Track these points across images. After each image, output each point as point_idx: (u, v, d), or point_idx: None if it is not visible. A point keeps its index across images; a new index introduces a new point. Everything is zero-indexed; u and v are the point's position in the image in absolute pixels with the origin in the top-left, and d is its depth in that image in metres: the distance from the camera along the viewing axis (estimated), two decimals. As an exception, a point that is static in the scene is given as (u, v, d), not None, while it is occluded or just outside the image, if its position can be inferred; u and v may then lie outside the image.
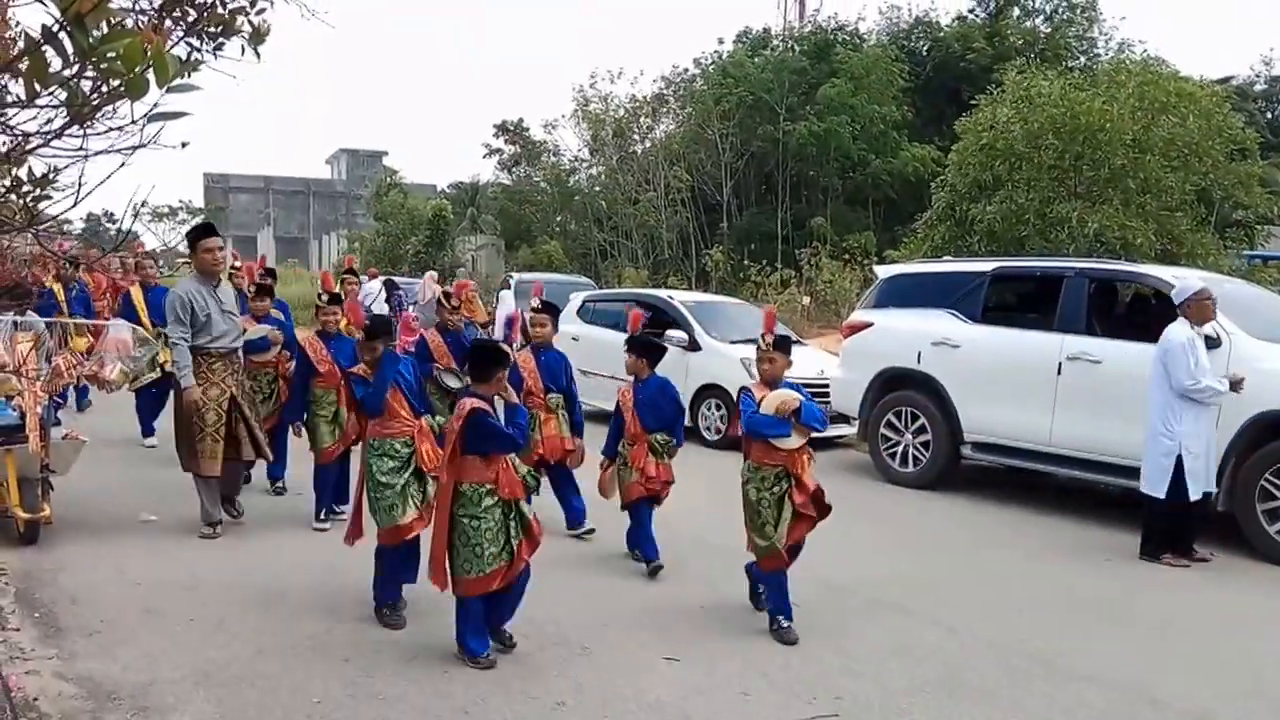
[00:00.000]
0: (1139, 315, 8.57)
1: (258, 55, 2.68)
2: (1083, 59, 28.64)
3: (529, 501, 4.78)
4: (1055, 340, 8.05)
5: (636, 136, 32.18)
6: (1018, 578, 6.38)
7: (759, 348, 5.26)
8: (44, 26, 1.81)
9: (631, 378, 6.55)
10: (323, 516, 7.02)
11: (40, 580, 5.68)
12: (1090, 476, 7.99)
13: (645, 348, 6.51)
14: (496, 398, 4.84)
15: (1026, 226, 17.28)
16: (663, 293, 13.39)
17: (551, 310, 7.23)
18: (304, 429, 7.07)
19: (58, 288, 10.62)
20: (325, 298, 7.30)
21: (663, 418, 6.35)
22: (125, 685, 4.29)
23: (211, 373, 6.47)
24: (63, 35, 1.81)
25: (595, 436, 6.91)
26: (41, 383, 6.20)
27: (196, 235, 6.66)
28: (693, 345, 11.26)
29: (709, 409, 11.05)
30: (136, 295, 9.83)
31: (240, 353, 6.78)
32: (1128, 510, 7.60)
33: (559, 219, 34.80)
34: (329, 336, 7.15)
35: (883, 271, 10.48)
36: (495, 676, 4.50)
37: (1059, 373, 7.94)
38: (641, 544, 6.24)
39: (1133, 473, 7.14)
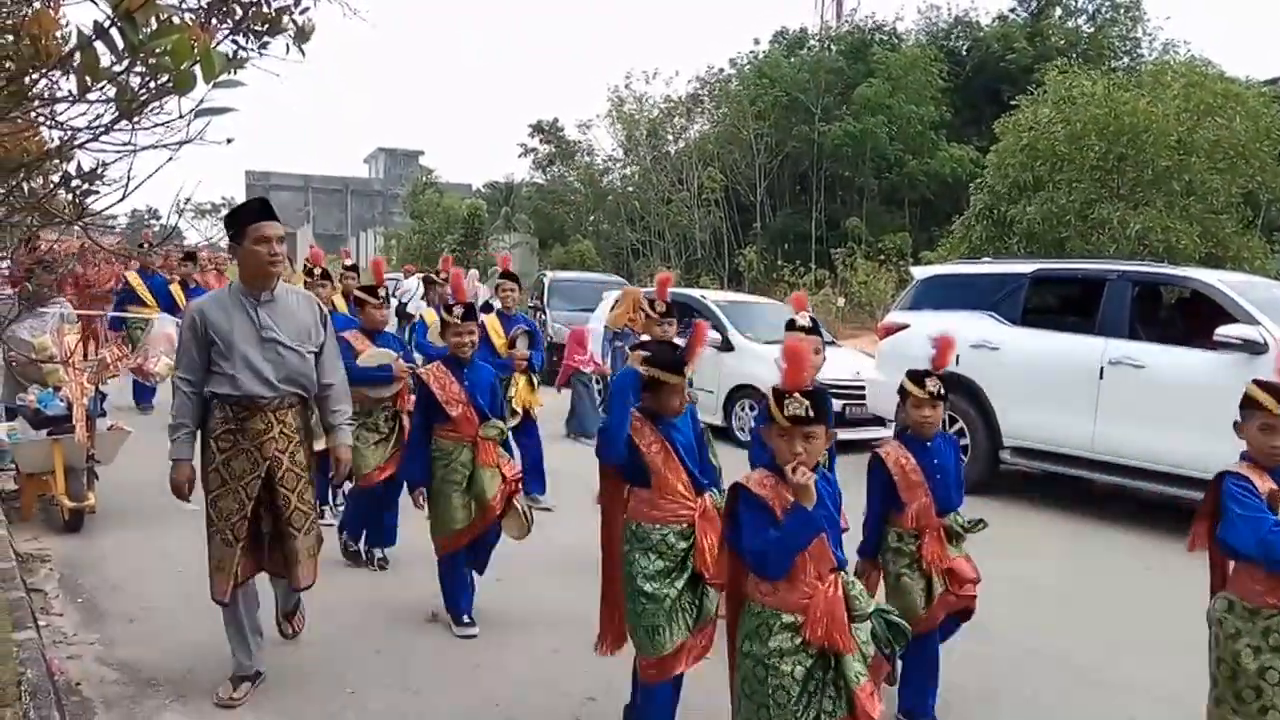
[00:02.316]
0: (1183, 319, 8.44)
1: (302, 54, 2.70)
2: (1126, 59, 28.25)
3: None
4: (1097, 344, 7.94)
5: (670, 137, 32.17)
6: (1056, 584, 6.31)
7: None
8: (95, 22, 1.83)
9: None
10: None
11: (83, 567, 5.79)
12: (1132, 483, 7.87)
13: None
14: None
15: (1067, 228, 17.09)
16: (695, 292, 13.37)
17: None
18: (426, 498, 4.99)
19: (136, 280, 10.82)
20: (459, 310, 5.08)
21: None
22: (164, 672, 4.37)
23: (242, 434, 3.97)
24: (113, 31, 1.82)
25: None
26: (88, 374, 6.30)
27: (245, 218, 3.98)
28: (726, 345, 11.23)
29: (742, 409, 11.02)
30: (136, 280, 10.59)
31: (298, 402, 4.18)
32: (1170, 517, 7.49)
33: (592, 218, 34.87)
34: (461, 364, 5.08)
35: (919, 272, 10.39)
36: (525, 671, 4.53)
37: (1101, 377, 7.83)
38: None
39: (1175, 479, 7.02)
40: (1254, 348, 6.86)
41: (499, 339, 7.58)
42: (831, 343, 12.53)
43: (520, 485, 5.17)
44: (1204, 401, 6.81)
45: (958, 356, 8.91)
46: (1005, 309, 8.78)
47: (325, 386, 4.24)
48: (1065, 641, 5.16)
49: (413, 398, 5.72)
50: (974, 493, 8.71)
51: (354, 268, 10.22)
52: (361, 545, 6.15)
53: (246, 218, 3.95)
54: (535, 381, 7.80)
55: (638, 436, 3.58)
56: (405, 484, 5.27)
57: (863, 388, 9.94)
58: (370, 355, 5.80)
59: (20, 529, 6.45)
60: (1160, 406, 7.38)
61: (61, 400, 6.55)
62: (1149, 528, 7.66)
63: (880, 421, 10.06)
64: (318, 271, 7.47)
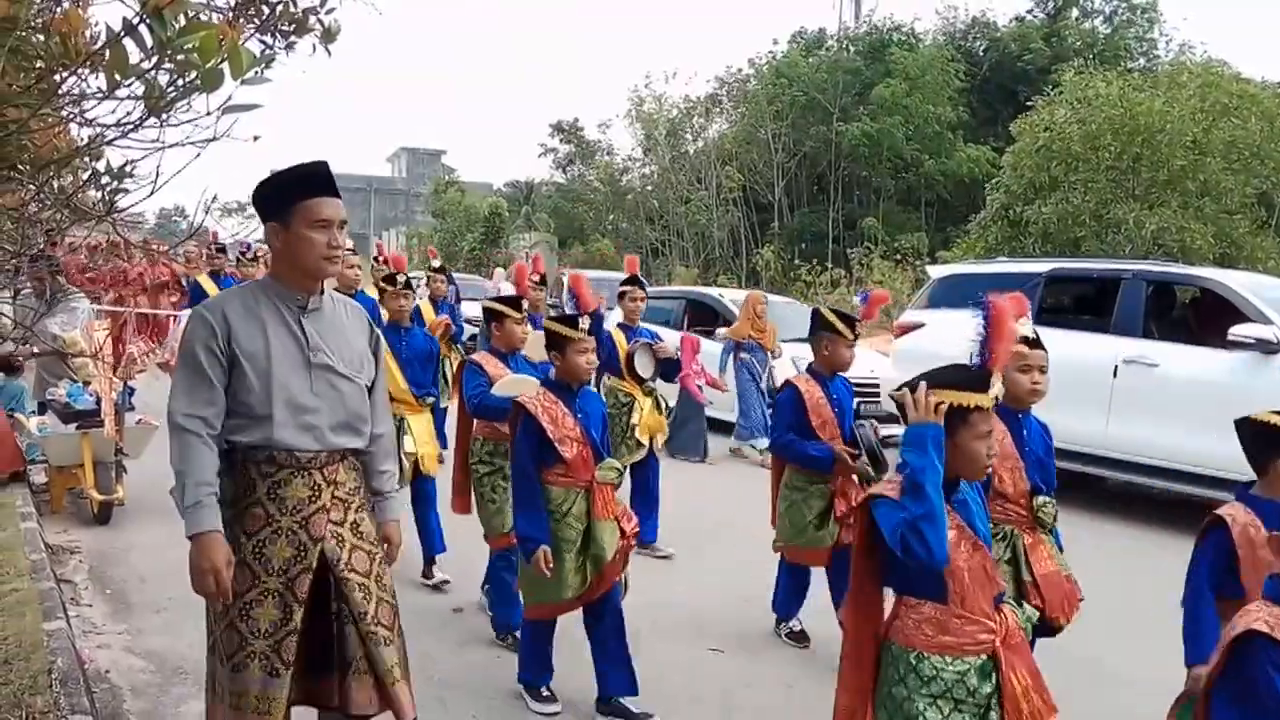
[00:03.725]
0: (1197, 319, 8.43)
1: (329, 53, 2.76)
2: (1142, 60, 28.10)
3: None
4: (1112, 343, 7.94)
5: (689, 136, 32.20)
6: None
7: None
8: (124, 19, 1.84)
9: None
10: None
11: (112, 559, 5.88)
12: (1146, 481, 7.87)
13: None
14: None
15: (1082, 228, 17.04)
16: (713, 291, 13.41)
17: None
18: (544, 558, 3.80)
19: (206, 281, 10.42)
20: (584, 322, 4.00)
21: None
22: (191, 661, 4.43)
23: (278, 506, 2.74)
24: (142, 28, 1.84)
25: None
26: (117, 370, 6.39)
27: (296, 189, 2.75)
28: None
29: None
30: (206, 282, 9.97)
31: (352, 455, 2.94)
32: (1183, 515, 7.49)
33: (611, 217, 34.93)
34: (570, 390, 3.99)
35: (936, 272, 10.41)
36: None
37: (1115, 375, 7.84)
38: None
39: (1189, 478, 7.03)
40: (1267, 347, 6.86)
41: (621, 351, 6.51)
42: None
43: (635, 541, 4.13)
44: (1217, 400, 6.82)
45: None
46: (1020, 308, 8.79)
47: (373, 439, 2.96)
48: (1073, 637, 5.17)
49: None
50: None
51: (442, 269, 9.42)
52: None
53: (298, 189, 2.70)
54: (665, 405, 6.66)
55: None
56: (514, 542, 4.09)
57: (877, 386, 9.98)
58: (508, 382, 4.62)
59: (51, 521, 6.56)
60: (1174, 405, 7.38)
61: (90, 395, 6.67)
62: (1163, 525, 7.66)
63: (895, 419, 10.08)
64: (401, 279, 5.83)
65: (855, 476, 4.52)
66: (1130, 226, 16.23)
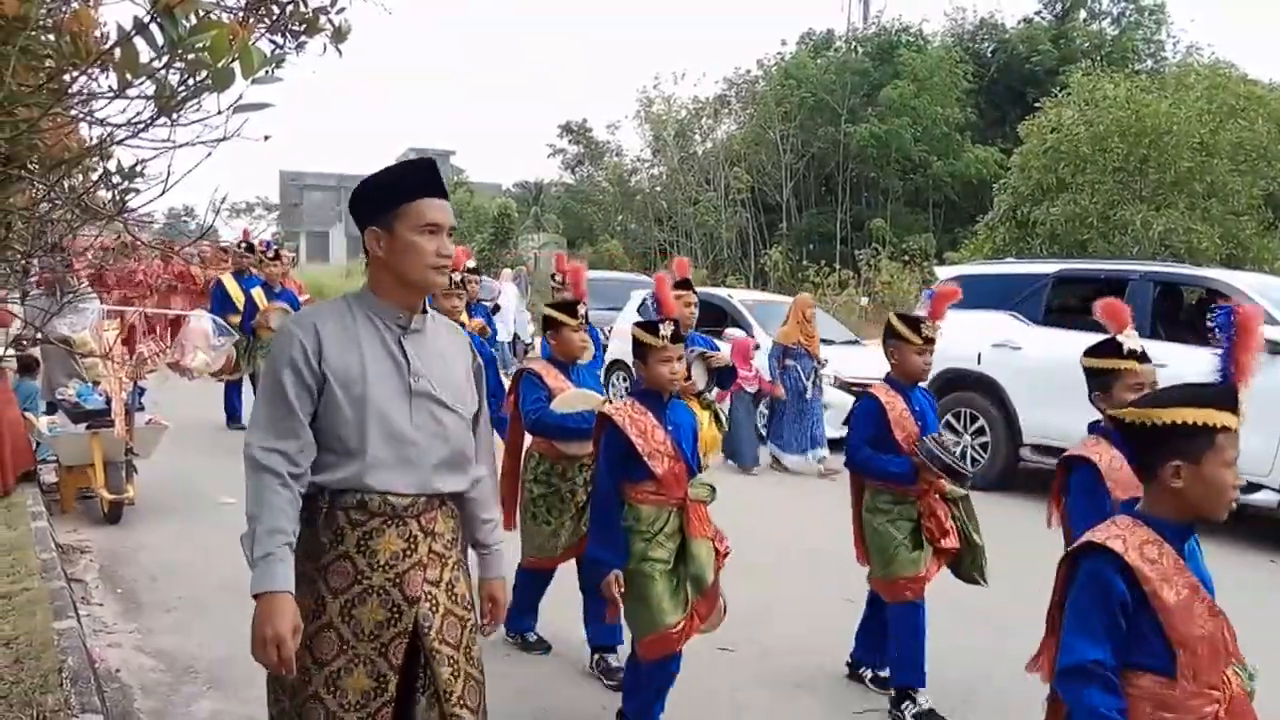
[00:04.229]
0: (1204, 320, 8.40)
1: (340, 53, 2.76)
2: (1150, 62, 28.02)
3: None
4: (1119, 343, 7.93)
5: (698, 137, 32.18)
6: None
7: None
8: (135, 18, 1.84)
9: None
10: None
11: (123, 558, 5.91)
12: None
13: None
14: None
15: (1089, 229, 17.03)
16: (722, 291, 13.43)
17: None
18: (622, 592, 3.51)
19: (230, 282, 10.04)
20: (667, 329, 3.64)
21: None
22: (201, 660, 4.46)
23: (369, 561, 2.36)
24: (153, 27, 1.83)
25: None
26: (127, 369, 6.42)
27: (403, 188, 2.40)
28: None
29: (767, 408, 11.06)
30: (230, 283, 9.77)
31: (450, 500, 2.56)
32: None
33: (620, 218, 34.91)
34: (660, 401, 3.67)
35: (943, 273, 10.41)
36: (554, 662, 4.60)
37: (1122, 375, 7.82)
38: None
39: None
40: (1275, 347, 6.84)
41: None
42: (855, 341, 12.57)
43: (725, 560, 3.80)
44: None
45: (980, 355, 8.95)
46: (1027, 309, 8.80)
47: (475, 481, 2.59)
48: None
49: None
50: (993, 490, 8.74)
51: (476, 270, 8.41)
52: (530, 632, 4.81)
53: (402, 189, 2.37)
54: (723, 418, 6.15)
55: None
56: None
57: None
58: (571, 396, 4.34)
59: (61, 521, 6.60)
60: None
61: (100, 395, 6.70)
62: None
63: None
64: (456, 278, 5.22)
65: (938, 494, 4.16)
66: (1137, 228, 16.21)
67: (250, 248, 10.48)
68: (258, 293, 9.06)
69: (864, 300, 22.36)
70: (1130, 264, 9.66)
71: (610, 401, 4.15)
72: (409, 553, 2.37)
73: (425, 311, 2.47)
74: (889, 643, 4.25)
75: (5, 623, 4.47)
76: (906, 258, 23.31)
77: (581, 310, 4.55)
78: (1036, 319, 8.71)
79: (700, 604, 3.57)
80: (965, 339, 9.06)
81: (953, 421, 9.17)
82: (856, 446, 4.24)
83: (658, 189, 33.58)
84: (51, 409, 7.25)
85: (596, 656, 4.48)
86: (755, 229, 30.02)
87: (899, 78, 27.43)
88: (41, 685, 3.84)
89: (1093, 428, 3.30)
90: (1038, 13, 31.13)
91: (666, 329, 3.59)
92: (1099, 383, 3.36)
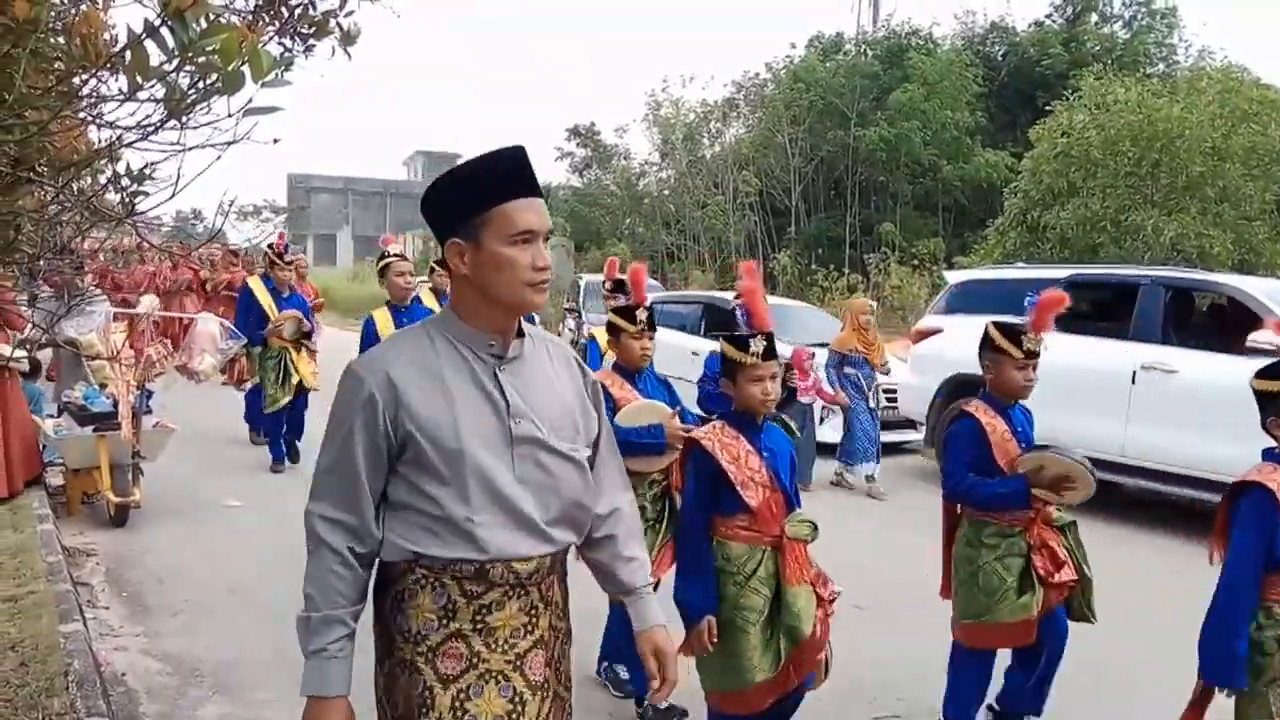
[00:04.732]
0: (1216, 325, 8.37)
1: (349, 56, 2.76)
2: (1161, 66, 27.93)
3: None
4: (1130, 349, 7.90)
5: (706, 141, 32.18)
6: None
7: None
8: (146, 21, 1.85)
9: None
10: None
11: (129, 561, 5.91)
12: (1163, 488, 7.83)
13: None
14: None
15: (1101, 234, 16.96)
16: (730, 295, 13.40)
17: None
18: (709, 630, 3.12)
19: (258, 286, 9.35)
20: (759, 343, 3.22)
21: None
22: (208, 663, 4.46)
23: (486, 639, 1.96)
24: (163, 30, 1.84)
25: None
26: (135, 372, 6.43)
27: (492, 188, 1.96)
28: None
29: (776, 413, 11.06)
30: (258, 286, 9.08)
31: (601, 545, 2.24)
32: (1201, 522, 7.42)
33: (628, 222, 34.92)
34: (754, 424, 3.26)
35: (953, 277, 10.39)
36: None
37: (1133, 382, 7.79)
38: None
39: (1206, 484, 6.97)
40: (1295, 352, 6.79)
41: None
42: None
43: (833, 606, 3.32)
44: (1236, 407, 6.69)
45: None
46: (1038, 314, 8.75)
47: (608, 516, 2.22)
48: (1090, 643, 5.14)
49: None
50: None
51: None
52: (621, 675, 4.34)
53: (491, 189, 1.95)
54: (794, 428, 6.04)
55: None
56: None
57: (895, 391, 9.96)
58: (636, 409, 4.02)
59: (68, 524, 6.60)
60: (1192, 412, 7.33)
61: (107, 397, 6.70)
62: (1178, 532, 7.61)
63: (912, 424, 10.08)
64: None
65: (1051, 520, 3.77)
66: (1149, 232, 16.14)
67: (271, 247, 9.93)
68: (265, 298, 8.69)
69: (873, 305, 22.34)
70: (1142, 269, 9.61)
71: (678, 413, 4.00)
72: (530, 628, 2.00)
73: (523, 334, 2.06)
74: (956, 689, 3.91)
75: (11, 625, 4.48)
76: (916, 262, 23.26)
77: (642, 315, 4.21)
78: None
79: (796, 659, 3.13)
80: (975, 344, 9.00)
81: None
82: (956, 472, 3.77)
83: (666, 192, 33.61)
84: (61, 411, 7.26)
85: (605, 664, 4.36)
86: (764, 233, 30.00)
87: (909, 81, 27.39)
88: (47, 688, 3.85)
89: (1267, 454, 3.10)
90: (1048, 16, 31.08)
91: (758, 344, 3.18)
92: (1275, 407, 3.07)
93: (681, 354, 10.96)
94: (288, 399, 8.31)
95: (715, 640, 3.08)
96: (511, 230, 1.93)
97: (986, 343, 3.84)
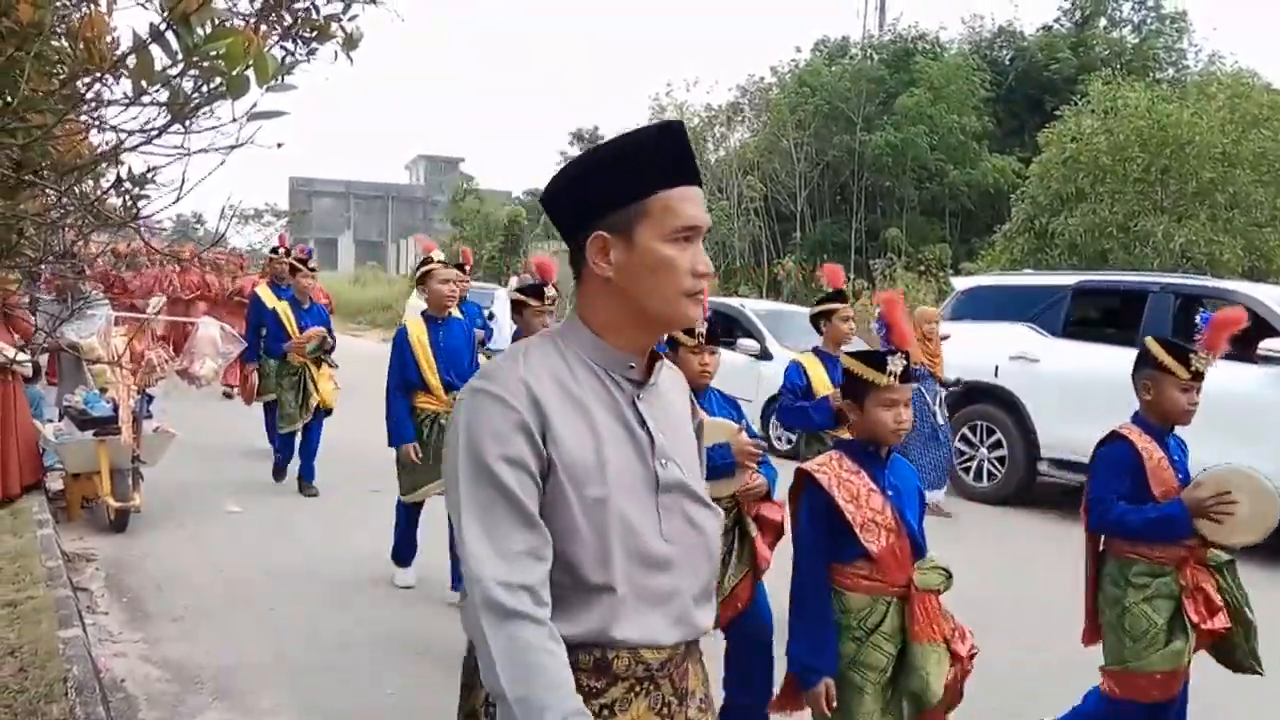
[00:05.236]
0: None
1: (351, 60, 2.74)
2: (1171, 70, 27.86)
3: None
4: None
5: (710, 145, 32.16)
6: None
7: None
8: (151, 25, 1.84)
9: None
10: None
11: (129, 566, 5.89)
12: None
13: None
14: None
15: (1109, 240, 16.90)
16: (734, 301, 13.38)
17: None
18: (828, 694, 2.75)
19: (266, 293, 8.95)
20: (897, 363, 2.84)
21: None
22: (208, 669, 4.43)
23: None
24: (168, 34, 1.83)
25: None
26: (136, 376, 6.41)
27: (651, 174, 1.60)
28: (764, 354, 11.23)
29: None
30: (266, 294, 8.70)
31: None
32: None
33: (631, 226, 34.94)
34: (874, 455, 2.89)
35: (960, 283, 10.36)
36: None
37: (1143, 389, 7.74)
38: None
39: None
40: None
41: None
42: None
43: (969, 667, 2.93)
44: (1246, 415, 6.73)
45: (997, 367, 8.86)
46: (1046, 321, 8.72)
47: None
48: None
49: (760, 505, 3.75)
50: (1010, 504, 8.67)
51: (460, 266, 7.99)
52: None
53: (652, 170, 1.60)
54: None
55: None
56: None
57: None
58: (716, 430, 3.61)
59: (67, 529, 6.58)
60: (1202, 420, 7.22)
61: (108, 401, 6.68)
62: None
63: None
64: (550, 292, 5.23)
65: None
66: (1158, 239, 16.08)
67: (288, 254, 9.31)
68: (285, 309, 7.99)
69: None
70: (1151, 276, 9.57)
71: (743, 429, 3.66)
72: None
73: (658, 356, 1.72)
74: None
75: (10, 631, 4.46)
76: (922, 268, 23.21)
77: (701, 328, 3.77)
78: (1056, 331, 8.63)
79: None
80: (982, 351, 8.98)
81: (968, 434, 9.09)
82: (1103, 500, 3.40)
83: (670, 197, 33.56)
84: (62, 416, 7.24)
85: None
86: (768, 238, 29.96)
87: (915, 85, 27.35)
88: (46, 694, 3.85)
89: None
90: (1057, 20, 31.03)
91: (897, 363, 2.78)
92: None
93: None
94: (305, 421, 7.82)
95: (834, 705, 2.73)
96: (674, 224, 1.58)
97: (1147, 360, 3.48)
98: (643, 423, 1.62)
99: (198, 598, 5.37)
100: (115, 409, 6.56)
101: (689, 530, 1.64)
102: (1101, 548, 3.54)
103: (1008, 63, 30.39)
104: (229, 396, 12.15)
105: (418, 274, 5.87)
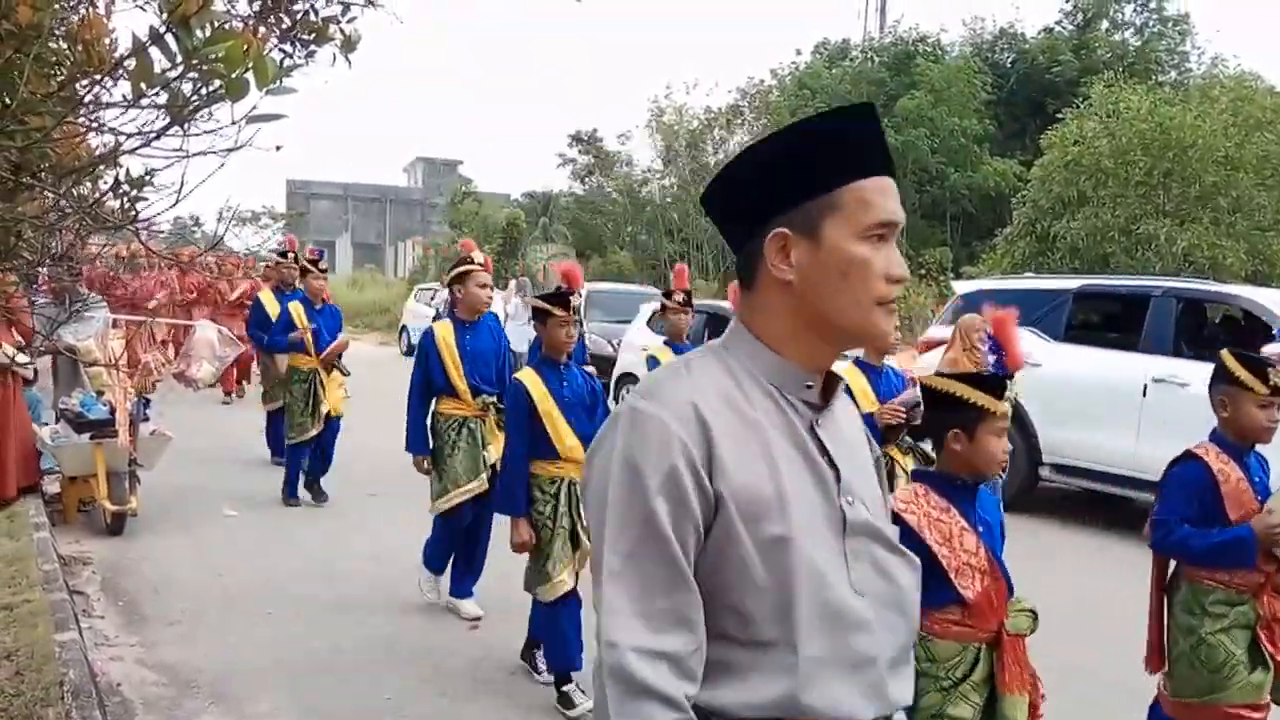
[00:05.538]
0: (1228, 337, 8.31)
1: (349, 63, 2.73)
2: (1174, 73, 27.85)
3: None
4: (1141, 361, 7.83)
5: (710, 148, 32.16)
6: (1096, 602, 6.21)
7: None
8: (151, 27, 1.84)
9: None
10: None
11: (125, 570, 5.86)
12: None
13: None
14: None
15: (1112, 244, 16.90)
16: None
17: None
18: None
19: (269, 299, 8.81)
20: (1014, 387, 2.79)
21: None
22: (204, 674, 4.41)
23: None
24: (168, 36, 1.83)
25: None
26: (133, 379, 6.39)
27: (847, 161, 1.38)
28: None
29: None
30: (269, 299, 8.60)
31: None
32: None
33: (630, 229, 34.91)
34: (966, 490, 2.71)
35: (961, 288, 10.33)
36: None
37: (1144, 395, 7.72)
38: None
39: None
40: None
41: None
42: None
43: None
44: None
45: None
46: (1048, 325, 8.69)
47: None
48: (1102, 659, 5.08)
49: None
50: (1011, 509, 8.62)
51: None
52: None
53: (847, 160, 1.38)
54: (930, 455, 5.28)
55: None
56: None
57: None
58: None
59: (63, 532, 6.55)
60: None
61: (105, 405, 6.66)
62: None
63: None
64: (576, 300, 4.94)
65: None
66: (1161, 243, 16.08)
67: (295, 258, 9.16)
68: (296, 308, 7.66)
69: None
70: (1153, 280, 9.55)
71: None
72: None
73: (838, 376, 1.47)
74: None
75: (6, 635, 4.44)
76: (923, 271, 23.17)
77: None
78: (1057, 336, 8.61)
79: None
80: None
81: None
82: (1166, 523, 3.24)
83: (669, 200, 33.59)
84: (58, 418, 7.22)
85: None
86: (768, 241, 29.96)
87: (916, 88, 27.35)
88: (43, 698, 3.83)
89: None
90: (1059, 22, 31.01)
91: (1013, 389, 2.66)
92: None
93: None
94: (317, 430, 7.45)
95: None
96: (868, 219, 1.36)
97: (1222, 375, 3.28)
98: (824, 452, 1.37)
99: (194, 601, 5.35)
100: (112, 412, 6.54)
101: (881, 581, 1.38)
102: (1171, 572, 3.35)
103: (1009, 65, 30.38)
104: (227, 403, 12.19)
105: (452, 274, 5.53)
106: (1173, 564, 3.35)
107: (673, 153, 32.21)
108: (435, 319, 19.59)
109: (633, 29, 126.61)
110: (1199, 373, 7.46)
